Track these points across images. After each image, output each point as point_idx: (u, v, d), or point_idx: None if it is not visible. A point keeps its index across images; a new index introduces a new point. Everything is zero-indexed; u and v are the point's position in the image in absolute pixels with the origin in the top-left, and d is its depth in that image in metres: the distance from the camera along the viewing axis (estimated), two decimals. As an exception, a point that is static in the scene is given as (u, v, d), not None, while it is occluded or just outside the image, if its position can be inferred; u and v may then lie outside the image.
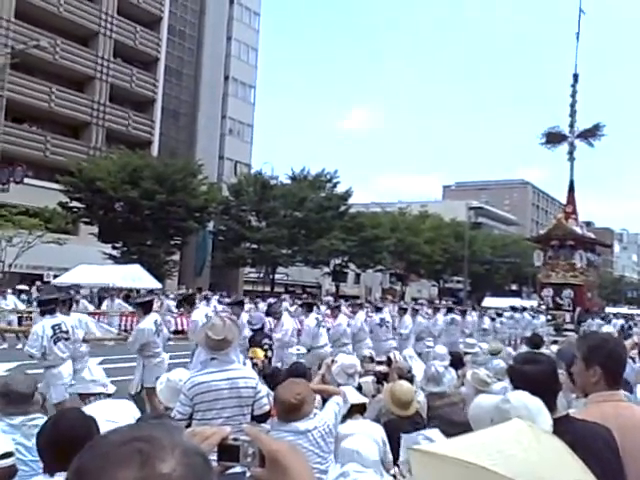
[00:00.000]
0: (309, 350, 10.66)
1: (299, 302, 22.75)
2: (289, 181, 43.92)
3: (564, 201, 21.52)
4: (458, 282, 60.71)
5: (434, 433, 3.24)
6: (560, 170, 22.29)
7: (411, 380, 5.43)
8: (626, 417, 2.56)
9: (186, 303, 11.50)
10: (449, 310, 18.42)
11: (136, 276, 24.77)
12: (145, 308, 8.81)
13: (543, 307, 20.68)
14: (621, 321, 22.24)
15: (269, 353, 8.86)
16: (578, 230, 20.24)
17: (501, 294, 53.95)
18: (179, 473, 0.78)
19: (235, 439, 1.07)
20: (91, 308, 19.63)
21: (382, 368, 5.61)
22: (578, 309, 19.48)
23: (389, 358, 5.74)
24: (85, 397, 4.51)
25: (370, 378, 5.70)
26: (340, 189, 44.55)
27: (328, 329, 12.84)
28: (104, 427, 2.57)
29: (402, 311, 15.48)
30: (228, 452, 1.07)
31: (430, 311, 19.59)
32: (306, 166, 44.64)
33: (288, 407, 3.62)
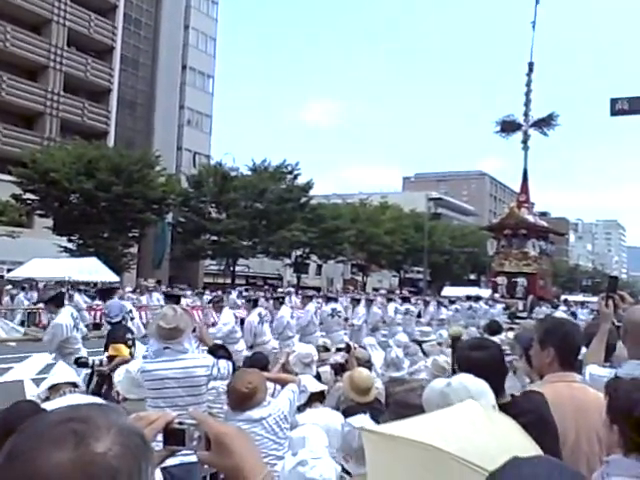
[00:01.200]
0: (251, 347, 10.06)
1: (269, 296, 22.54)
2: (250, 172, 43.67)
3: (530, 197, 21.75)
4: (418, 272, 61.43)
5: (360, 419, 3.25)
6: (518, 161, 22.73)
7: (370, 368, 5.45)
8: (579, 399, 2.60)
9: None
10: (404, 300, 18.20)
11: (93, 269, 24.33)
12: (57, 302, 8.05)
13: (497, 295, 20.89)
14: (564, 308, 22.96)
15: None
16: (531, 219, 20.46)
17: (460, 284, 54.73)
18: (115, 452, 0.78)
19: (180, 423, 1.07)
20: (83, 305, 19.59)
21: (340, 356, 5.60)
22: (530, 297, 19.69)
23: (348, 345, 5.75)
24: (58, 389, 4.38)
25: (327, 367, 5.71)
26: (301, 180, 44.59)
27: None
28: None
29: (355, 302, 15.22)
30: (174, 436, 1.07)
31: (385, 301, 19.35)
32: (267, 157, 44.51)
33: (240, 396, 3.64)
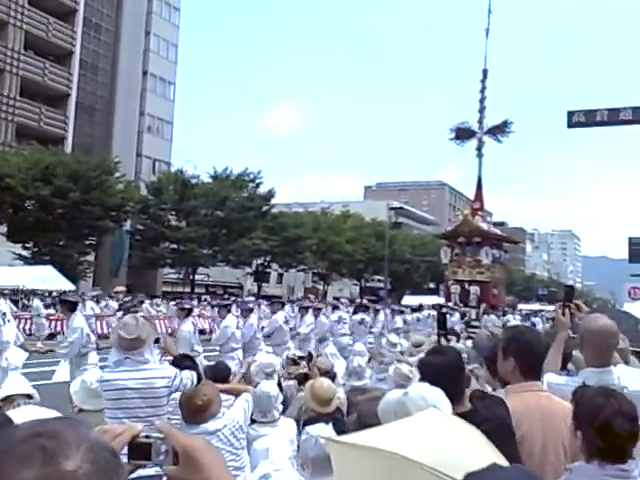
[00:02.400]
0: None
1: (214, 303, 22.19)
2: (210, 180, 43.36)
3: (484, 204, 21.68)
4: (379, 281, 61.77)
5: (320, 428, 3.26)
6: (477, 171, 22.84)
7: (333, 378, 5.44)
8: (546, 407, 2.65)
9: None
10: (357, 308, 16.96)
11: (48, 277, 23.76)
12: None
13: (450, 304, 20.72)
14: (517, 317, 22.99)
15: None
16: (484, 226, 20.33)
17: (420, 292, 55.23)
18: (85, 470, 0.74)
19: (147, 436, 1.04)
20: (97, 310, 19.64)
21: (302, 365, 5.58)
22: (483, 305, 19.58)
23: (310, 354, 5.72)
24: (12, 400, 4.23)
25: (292, 382, 5.66)
26: (263, 189, 44.47)
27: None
28: None
29: (303, 310, 14.29)
30: (140, 450, 1.03)
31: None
32: (228, 165, 44.27)
33: (194, 409, 3.60)
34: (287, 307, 21.95)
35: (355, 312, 16.43)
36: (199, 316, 23.39)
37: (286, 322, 12.95)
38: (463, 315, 19.75)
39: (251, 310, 12.12)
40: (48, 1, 41.82)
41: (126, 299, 22.02)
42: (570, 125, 16.12)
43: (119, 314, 12.90)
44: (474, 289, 19.91)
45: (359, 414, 3.31)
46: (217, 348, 10.74)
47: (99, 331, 18.87)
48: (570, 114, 16.20)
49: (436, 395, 2.04)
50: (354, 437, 1.44)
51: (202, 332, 16.86)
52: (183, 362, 4.66)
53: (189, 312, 10.74)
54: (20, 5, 40.25)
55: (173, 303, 23.65)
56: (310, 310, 14.28)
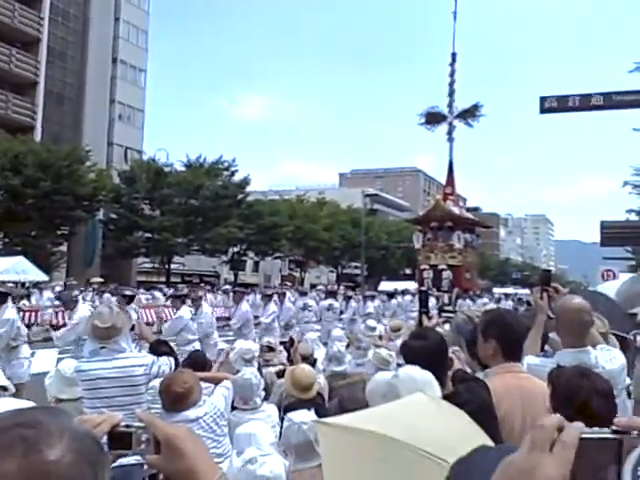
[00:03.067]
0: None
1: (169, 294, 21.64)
2: (184, 168, 42.99)
3: (455, 189, 21.66)
4: (356, 267, 62.02)
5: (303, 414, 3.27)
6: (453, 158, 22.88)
7: (313, 363, 5.45)
8: (527, 388, 2.67)
9: None
10: (329, 294, 16.88)
11: (20, 268, 23.40)
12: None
13: (423, 289, 20.69)
14: (485, 300, 23.07)
15: None
16: (456, 211, 20.30)
17: (396, 278, 55.59)
18: (69, 459, 0.71)
19: (127, 426, 1.01)
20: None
21: (279, 350, 5.58)
22: (455, 290, 19.59)
23: (291, 339, 5.72)
24: None
25: (271, 369, 5.66)
26: (238, 177, 44.23)
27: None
28: None
29: (266, 298, 13.57)
30: (120, 440, 1.00)
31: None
32: (202, 153, 43.89)
33: (175, 396, 3.57)
34: (251, 296, 21.79)
35: (325, 299, 16.36)
36: (146, 307, 22.97)
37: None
38: (437, 299, 19.81)
39: (199, 299, 11.39)
40: (13, -14, 40.86)
41: (60, 290, 21.86)
42: (542, 111, 16.24)
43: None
44: (446, 274, 19.88)
45: (340, 399, 3.32)
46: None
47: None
48: (542, 100, 16.31)
49: (426, 378, 2.04)
50: (342, 419, 1.43)
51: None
52: (160, 348, 4.62)
53: (131, 299, 10.97)
54: (-16, -10, 39.27)
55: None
56: (273, 298, 13.81)
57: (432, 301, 20.28)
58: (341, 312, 16.64)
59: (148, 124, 54.31)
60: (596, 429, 0.72)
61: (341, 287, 37.42)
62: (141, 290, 29.30)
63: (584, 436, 0.71)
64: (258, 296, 21.43)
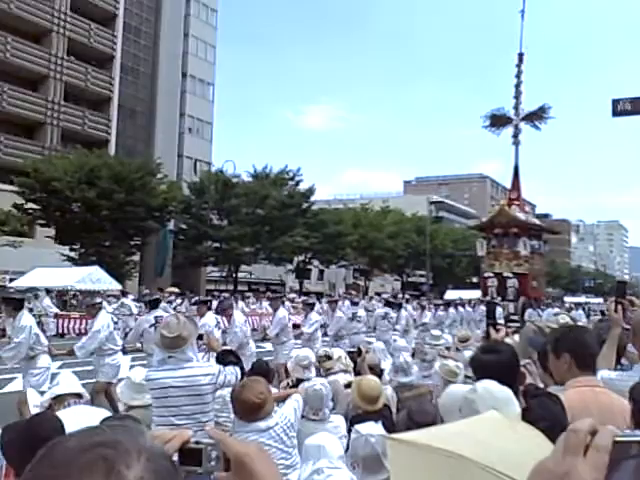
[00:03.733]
0: None
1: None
2: (251, 179, 43.66)
3: (521, 193, 20.72)
4: (421, 276, 61.28)
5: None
6: (520, 162, 22.06)
7: (380, 374, 5.41)
8: (604, 403, 2.57)
9: None
10: (386, 304, 16.13)
11: (95, 278, 24.27)
12: (15, 304, 8.10)
13: (488, 298, 19.86)
14: (555, 310, 21.97)
15: None
16: (522, 216, 19.21)
17: (462, 287, 54.63)
18: (146, 479, 0.73)
19: (197, 442, 1.01)
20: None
21: (336, 357, 5.55)
22: (522, 299, 18.67)
23: (359, 349, 5.70)
24: (63, 400, 4.31)
25: (337, 377, 5.62)
26: (303, 186, 44.57)
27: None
28: None
29: (307, 307, 12.86)
30: (190, 456, 1.00)
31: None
32: (268, 164, 44.48)
33: (250, 407, 3.59)
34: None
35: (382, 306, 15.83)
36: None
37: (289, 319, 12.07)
38: (502, 309, 19.03)
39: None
40: (89, 7, 42.73)
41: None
42: (615, 114, 15.61)
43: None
44: (512, 282, 18.99)
45: (409, 411, 3.29)
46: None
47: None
48: (615, 102, 15.69)
49: (505, 394, 2.00)
50: (412, 435, 1.43)
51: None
52: (226, 358, 4.70)
53: (156, 303, 10.92)
54: (62, 12, 41.21)
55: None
56: (316, 307, 13.18)
57: (498, 311, 19.56)
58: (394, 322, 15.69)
59: (216, 136, 55.66)
60: (628, 432, 0.73)
61: (406, 296, 37.01)
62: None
63: (617, 439, 0.71)
64: (325, 304, 21.41)
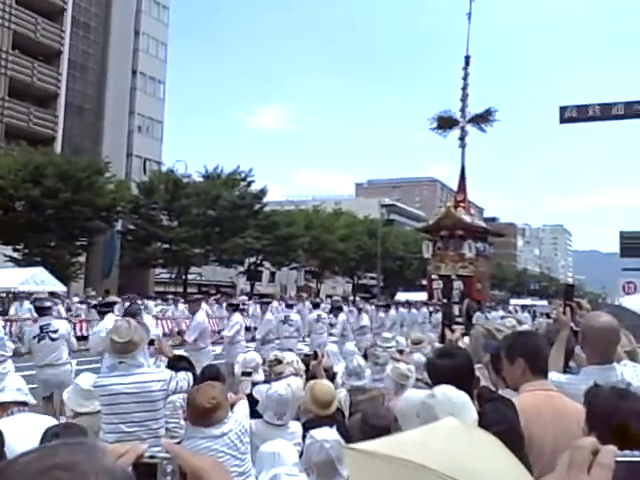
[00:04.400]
0: None
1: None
2: (202, 179, 43.23)
3: (467, 196, 20.92)
4: (372, 278, 61.79)
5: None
6: (468, 166, 22.24)
7: (332, 377, 5.40)
8: (557, 407, 2.61)
9: None
10: (315, 306, 15.82)
11: (39, 279, 23.57)
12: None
13: (434, 300, 20.05)
14: (501, 312, 22.53)
15: None
16: (467, 219, 19.49)
17: (413, 289, 55.33)
18: None
19: (152, 456, 0.96)
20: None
21: (286, 362, 5.51)
22: (466, 301, 18.96)
23: (315, 353, 5.66)
24: (6, 407, 4.13)
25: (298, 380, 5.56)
26: (254, 187, 44.40)
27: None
28: (17, 444, 2.31)
29: (230, 308, 12.07)
30: (144, 471, 0.95)
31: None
32: (220, 164, 44.14)
33: (202, 411, 3.52)
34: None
35: (330, 312, 15.81)
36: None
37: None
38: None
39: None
40: (36, 0, 41.51)
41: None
42: (562, 121, 16.08)
43: None
44: (457, 284, 19.24)
45: (364, 415, 3.27)
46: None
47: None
48: (562, 109, 16.17)
49: (463, 399, 1.99)
50: (372, 444, 1.40)
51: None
52: (179, 363, 4.61)
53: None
54: (7, 5, 39.90)
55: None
56: (239, 308, 12.45)
57: (455, 312, 19.75)
58: (331, 324, 15.34)
59: (167, 136, 54.82)
60: (628, 452, 0.74)
61: (356, 298, 37.29)
62: (158, 301, 29.42)
63: (618, 459, 0.73)
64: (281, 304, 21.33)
